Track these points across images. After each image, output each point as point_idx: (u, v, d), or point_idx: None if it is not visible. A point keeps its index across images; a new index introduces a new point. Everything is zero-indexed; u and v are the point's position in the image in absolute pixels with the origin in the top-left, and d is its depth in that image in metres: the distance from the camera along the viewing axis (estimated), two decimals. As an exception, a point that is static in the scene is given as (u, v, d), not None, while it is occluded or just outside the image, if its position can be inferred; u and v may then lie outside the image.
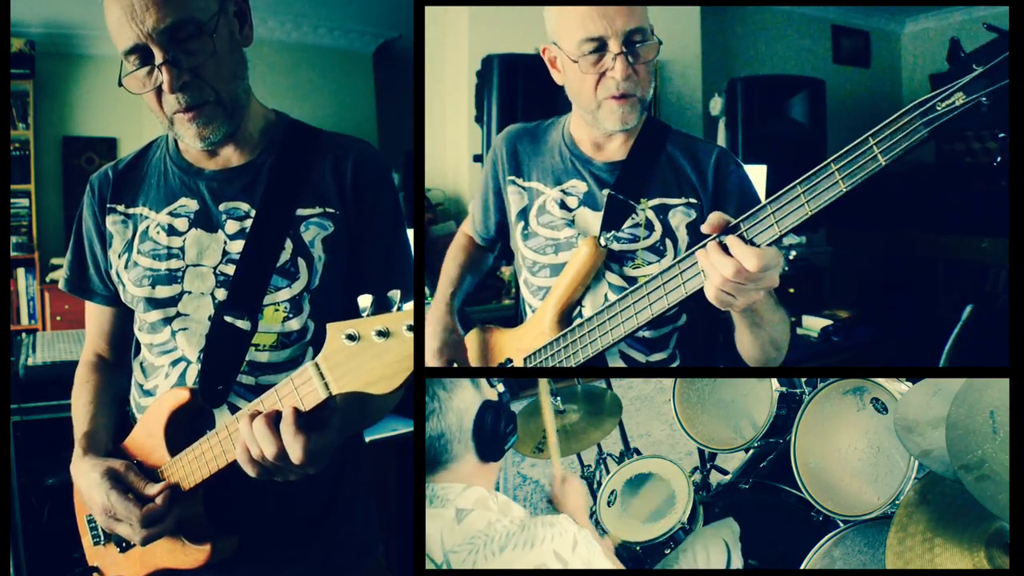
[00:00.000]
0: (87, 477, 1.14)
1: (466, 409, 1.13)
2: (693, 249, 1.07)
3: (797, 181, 0.96)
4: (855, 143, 0.91)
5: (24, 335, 2.63)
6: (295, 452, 0.95)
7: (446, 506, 1.07)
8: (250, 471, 1.00)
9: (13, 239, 4.21)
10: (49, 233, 4.36)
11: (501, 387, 1.19)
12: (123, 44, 1.07)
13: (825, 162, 0.93)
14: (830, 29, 4.94)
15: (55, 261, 4.22)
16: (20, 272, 4.26)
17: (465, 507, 1.06)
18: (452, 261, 1.65)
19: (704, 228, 1.03)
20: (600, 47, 1.24)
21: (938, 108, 0.85)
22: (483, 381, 1.18)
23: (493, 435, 1.13)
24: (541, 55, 1.38)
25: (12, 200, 4.23)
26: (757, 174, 3.42)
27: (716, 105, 3.82)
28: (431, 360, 1.45)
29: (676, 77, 3.87)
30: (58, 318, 4.09)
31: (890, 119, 0.88)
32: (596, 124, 1.33)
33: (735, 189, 1.34)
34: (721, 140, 3.77)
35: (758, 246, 0.99)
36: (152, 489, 1.11)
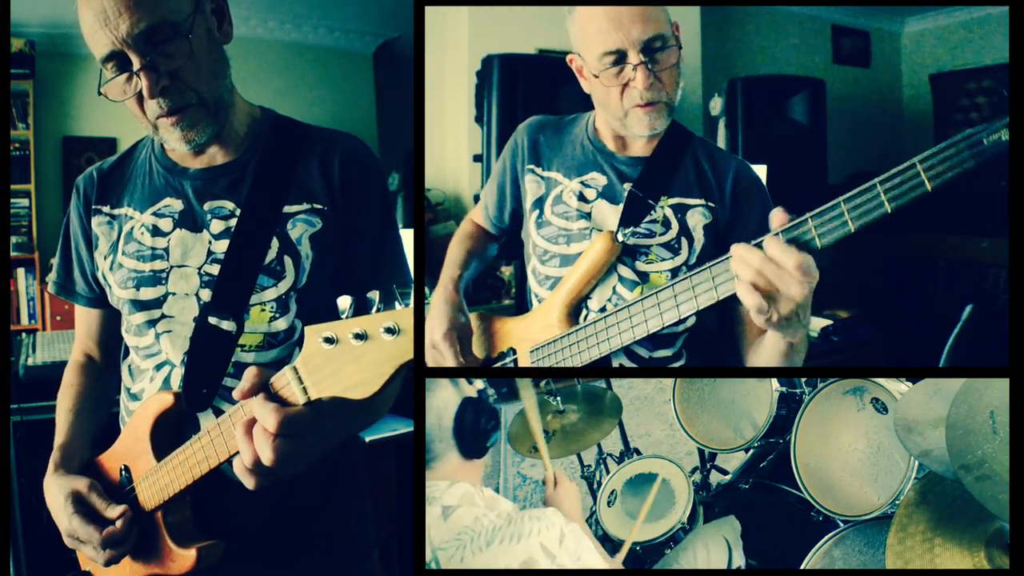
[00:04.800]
0: (54, 499, 1.15)
1: (445, 407, 1.13)
2: (726, 256, 1.04)
3: (841, 198, 0.94)
4: (903, 167, 0.90)
5: (24, 335, 2.63)
6: (265, 454, 0.90)
7: (432, 504, 1.06)
8: (248, 482, 0.95)
9: (13, 239, 4.21)
10: (49, 233, 4.35)
11: (480, 383, 1.19)
12: (99, 51, 1.05)
13: (869, 183, 0.92)
14: (830, 29, 4.94)
15: (55, 261, 4.22)
16: (20, 272, 4.26)
17: (451, 504, 1.06)
18: (458, 247, 1.62)
19: (772, 220, 0.99)
20: (620, 59, 1.24)
21: (985, 142, 0.85)
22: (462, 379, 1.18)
23: (474, 432, 1.13)
24: (568, 64, 1.37)
25: (12, 200, 4.23)
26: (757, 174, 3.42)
27: (716, 105, 3.82)
28: (440, 342, 1.40)
29: (676, 77, 3.86)
30: (58, 318, 4.08)
31: (939, 147, 0.88)
32: (625, 130, 1.34)
33: (757, 203, 1.34)
34: (721, 140, 3.77)
35: (816, 249, 0.96)
36: (112, 512, 1.11)
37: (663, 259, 1.32)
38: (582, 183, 1.40)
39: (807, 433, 1.54)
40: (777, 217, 0.99)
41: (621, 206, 1.35)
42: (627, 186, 1.36)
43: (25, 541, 2.19)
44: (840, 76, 4.85)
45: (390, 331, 0.83)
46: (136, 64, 1.05)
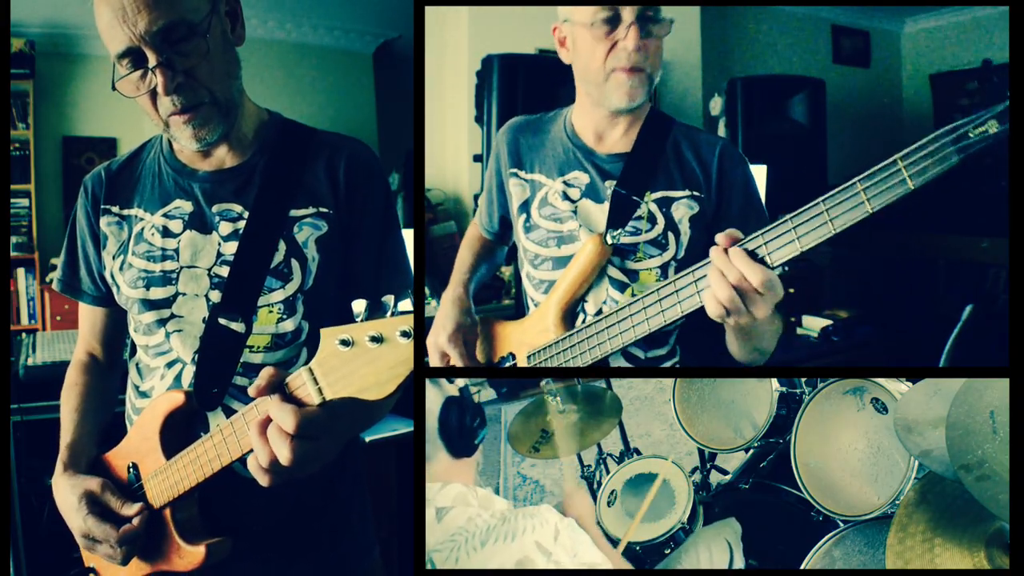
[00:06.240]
0: (66, 499, 1.16)
1: (429, 408, 1.13)
2: (706, 261, 1.05)
3: (821, 199, 0.93)
4: (883, 164, 0.88)
5: (24, 335, 2.63)
6: (282, 454, 0.93)
7: (426, 506, 1.07)
8: (263, 480, 0.97)
9: (13, 239, 4.21)
10: (49, 233, 4.35)
11: (463, 381, 1.19)
12: (115, 47, 1.06)
13: (850, 182, 0.91)
14: (830, 29, 4.95)
15: (55, 261, 4.22)
16: (20, 272, 4.26)
17: (444, 505, 1.06)
18: (467, 250, 1.64)
19: (719, 238, 1.01)
20: (614, 18, 1.24)
21: (971, 135, 0.83)
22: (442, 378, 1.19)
23: (460, 431, 1.13)
24: (552, 35, 1.37)
25: (12, 200, 4.23)
26: (757, 174, 3.42)
27: (716, 105, 3.82)
28: (446, 344, 1.42)
29: (676, 77, 3.87)
30: (58, 318, 4.08)
31: (920, 142, 0.85)
32: (603, 100, 1.32)
33: (740, 186, 1.34)
34: (721, 140, 3.77)
35: (769, 266, 0.97)
36: (129, 510, 1.12)
37: (651, 256, 1.32)
38: (565, 183, 1.40)
39: (807, 433, 1.54)
40: (728, 235, 1.00)
41: (605, 204, 1.34)
42: (608, 184, 1.35)
43: (25, 541, 2.19)
44: (840, 76, 4.85)
45: (406, 335, 0.86)
46: (152, 61, 1.06)
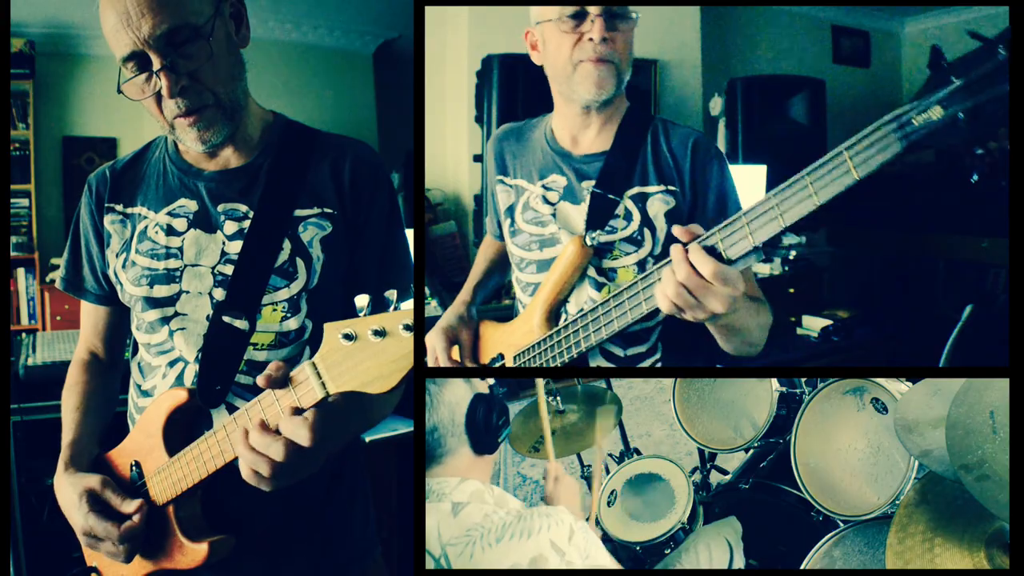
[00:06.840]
0: (67, 498, 1.16)
1: (457, 403, 1.13)
2: (668, 260, 1.05)
3: (771, 192, 0.94)
4: (829, 156, 0.89)
5: (24, 335, 2.63)
6: (276, 451, 0.96)
7: (442, 500, 1.07)
8: (264, 486, 1.00)
9: (13, 239, 4.21)
10: (49, 233, 4.35)
11: (492, 379, 1.20)
12: (120, 51, 1.07)
13: (799, 175, 0.91)
14: (830, 29, 4.94)
15: (55, 261, 4.22)
16: (20, 272, 4.26)
17: (461, 500, 1.07)
18: (480, 255, 1.68)
19: (675, 231, 1.02)
20: (581, 13, 1.27)
21: (914, 122, 0.81)
22: None
23: (486, 427, 1.14)
24: (524, 40, 1.40)
25: (12, 200, 4.23)
26: (757, 174, 3.42)
27: (716, 105, 3.82)
28: (432, 338, 1.46)
29: (676, 77, 3.86)
30: (58, 318, 4.08)
31: (864, 132, 0.85)
32: (572, 94, 1.33)
33: (713, 180, 1.34)
34: (721, 140, 3.77)
35: (726, 261, 0.98)
36: (128, 507, 1.13)
37: (627, 253, 1.32)
38: (544, 187, 1.42)
39: (807, 433, 1.54)
40: (686, 230, 1.01)
41: (583, 206, 1.35)
42: (586, 185, 1.36)
43: (25, 541, 2.19)
44: (840, 76, 4.85)
45: (409, 328, 0.86)
46: (156, 64, 1.06)
